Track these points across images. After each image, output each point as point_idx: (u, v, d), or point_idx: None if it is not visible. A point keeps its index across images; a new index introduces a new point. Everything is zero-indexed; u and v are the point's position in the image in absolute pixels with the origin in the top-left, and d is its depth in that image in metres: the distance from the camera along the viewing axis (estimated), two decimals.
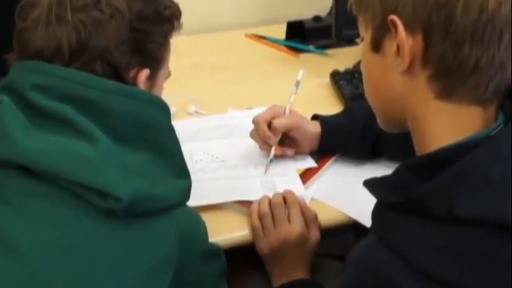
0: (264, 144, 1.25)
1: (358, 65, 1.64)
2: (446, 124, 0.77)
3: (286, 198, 1.16)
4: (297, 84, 1.29)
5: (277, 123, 1.23)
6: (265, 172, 1.23)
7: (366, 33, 0.82)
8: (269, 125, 1.24)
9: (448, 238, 0.71)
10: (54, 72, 0.86)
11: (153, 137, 0.88)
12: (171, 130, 0.92)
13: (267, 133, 1.23)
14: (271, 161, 1.24)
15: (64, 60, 0.87)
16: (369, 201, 0.82)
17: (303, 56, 1.79)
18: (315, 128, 1.26)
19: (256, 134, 1.25)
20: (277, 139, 1.24)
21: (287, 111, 1.25)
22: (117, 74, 0.89)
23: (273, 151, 1.24)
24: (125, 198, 0.81)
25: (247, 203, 1.17)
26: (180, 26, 0.99)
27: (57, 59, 0.87)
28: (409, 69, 0.76)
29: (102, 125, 0.84)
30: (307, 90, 1.31)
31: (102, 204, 0.82)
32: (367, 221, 0.86)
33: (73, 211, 0.83)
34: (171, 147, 0.91)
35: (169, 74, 1.02)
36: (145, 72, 0.93)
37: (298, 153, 1.28)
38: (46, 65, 0.86)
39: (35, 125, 0.84)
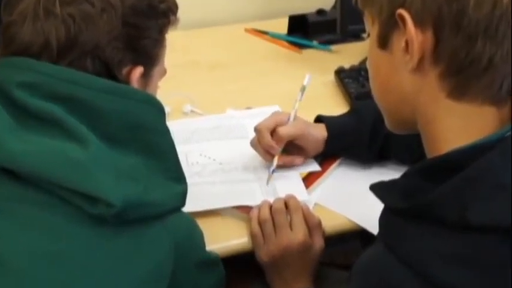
0: (267, 154, 1.24)
1: (364, 61, 1.65)
2: (458, 125, 0.77)
3: (288, 204, 1.16)
4: (303, 89, 1.28)
5: (283, 132, 1.23)
6: (268, 183, 1.23)
7: (372, 28, 0.82)
8: (272, 133, 1.23)
9: (460, 246, 0.71)
10: (42, 70, 0.86)
11: (147, 139, 0.88)
12: (166, 131, 0.92)
13: (270, 142, 1.22)
14: (273, 171, 1.23)
15: (52, 57, 0.87)
16: (375, 207, 0.82)
17: (306, 52, 1.79)
18: (321, 132, 1.26)
19: (258, 143, 1.24)
20: (281, 148, 1.24)
21: (291, 118, 1.25)
22: (108, 71, 0.89)
23: (275, 161, 1.23)
24: (116, 204, 0.81)
25: (246, 209, 1.17)
26: (176, 21, 0.99)
27: (45, 55, 0.87)
28: (419, 67, 0.76)
29: (92, 125, 0.84)
30: (310, 89, 1.31)
31: (92, 210, 0.82)
32: (374, 227, 0.86)
33: (62, 217, 0.83)
34: (165, 150, 0.91)
35: (164, 72, 1.02)
36: (139, 70, 0.93)
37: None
38: (33, 62, 0.86)
39: (21, 125, 0.84)
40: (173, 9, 0.97)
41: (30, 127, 0.84)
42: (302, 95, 1.28)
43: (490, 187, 0.71)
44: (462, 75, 0.75)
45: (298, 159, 1.26)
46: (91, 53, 0.88)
